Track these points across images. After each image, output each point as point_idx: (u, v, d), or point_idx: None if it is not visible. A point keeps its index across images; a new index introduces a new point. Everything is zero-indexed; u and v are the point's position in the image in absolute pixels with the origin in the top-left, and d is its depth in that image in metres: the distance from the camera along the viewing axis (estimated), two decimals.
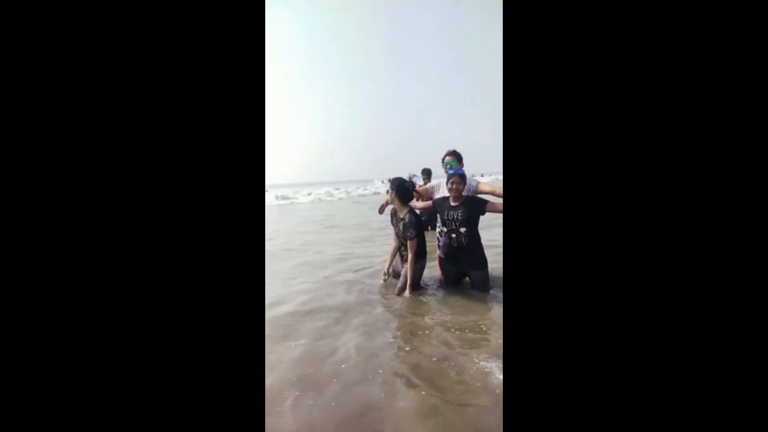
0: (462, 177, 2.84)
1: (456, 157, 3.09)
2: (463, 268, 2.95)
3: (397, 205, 2.94)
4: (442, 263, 3.03)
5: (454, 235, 2.83)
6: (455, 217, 2.80)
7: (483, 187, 2.96)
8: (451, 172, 2.87)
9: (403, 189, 2.91)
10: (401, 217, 2.93)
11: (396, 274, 3.13)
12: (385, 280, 3.13)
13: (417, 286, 2.95)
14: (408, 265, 2.82)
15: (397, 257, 3.18)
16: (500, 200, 2.80)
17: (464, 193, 2.92)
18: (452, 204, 2.85)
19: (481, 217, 2.86)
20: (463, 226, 2.80)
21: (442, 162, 3.09)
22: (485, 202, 2.82)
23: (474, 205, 2.80)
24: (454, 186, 2.81)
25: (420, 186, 3.08)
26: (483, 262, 2.89)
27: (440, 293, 2.89)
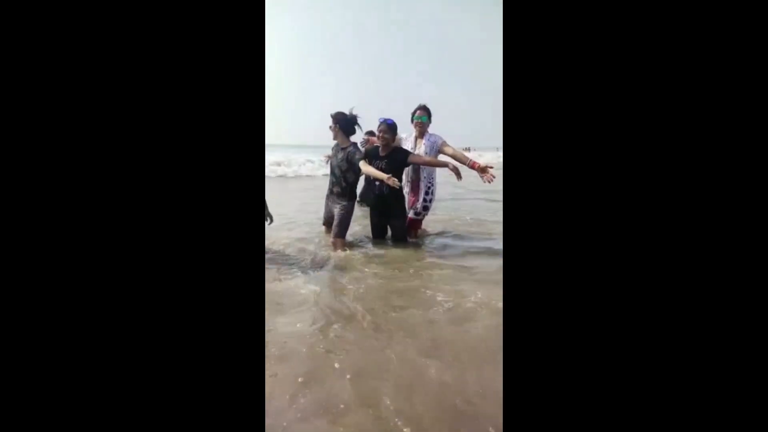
0: (390, 126, 2.87)
1: (426, 112, 3.09)
2: (384, 217, 3.07)
3: (340, 138, 2.95)
4: (370, 213, 3.15)
5: (377, 183, 2.91)
6: (380, 167, 2.84)
7: (447, 149, 3.00)
8: (381, 120, 2.89)
9: (345, 121, 2.91)
10: (343, 147, 2.95)
11: (329, 221, 3.11)
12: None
13: (342, 234, 2.96)
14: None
15: (327, 202, 3.13)
16: (447, 159, 2.95)
17: (426, 150, 3.00)
18: (380, 154, 2.90)
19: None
20: (385, 171, 2.81)
21: (413, 116, 3.08)
22: (408, 153, 2.89)
23: (397, 157, 2.86)
24: (381, 135, 2.85)
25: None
26: (401, 212, 3.04)
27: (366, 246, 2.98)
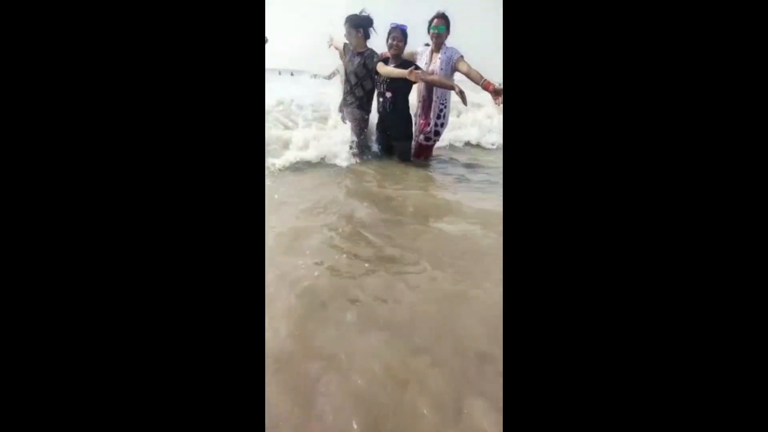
0: (403, 33, 2.67)
1: (445, 21, 2.74)
2: (388, 136, 2.94)
3: (357, 42, 2.78)
4: (376, 132, 3.07)
5: (380, 99, 2.79)
6: (384, 78, 2.70)
7: (461, 65, 2.73)
8: (393, 25, 2.66)
9: (360, 18, 2.72)
10: (359, 52, 2.78)
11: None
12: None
13: (359, 147, 2.90)
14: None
15: (341, 113, 3.05)
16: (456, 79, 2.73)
17: (442, 66, 2.75)
18: (390, 65, 2.74)
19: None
20: (389, 90, 2.71)
21: (429, 26, 2.77)
22: (416, 68, 2.66)
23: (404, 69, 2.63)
24: (394, 42, 2.66)
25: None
26: (406, 134, 2.86)
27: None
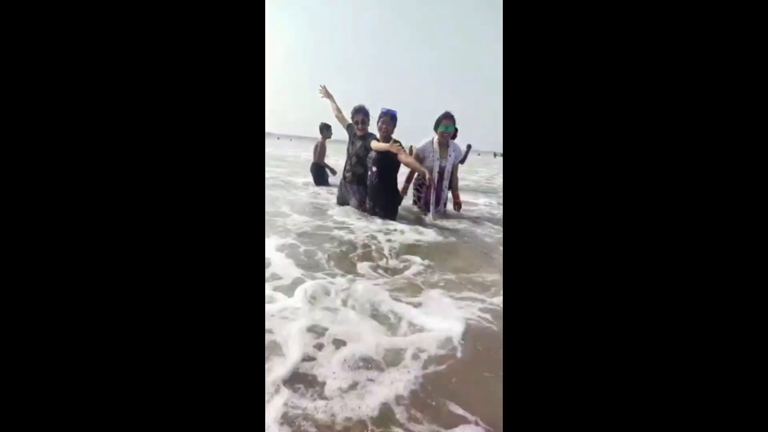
0: (392, 118, 2.97)
1: (453, 121, 3.17)
2: (377, 208, 3.06)
3: (363, 128, 3.12)
4: (368, 198, 3.25)
5: (369, 173, 3.03)
6: (372, 155, 2.96)
7: (455, 170, 3.31)
8: (383, 110, 3.00)
9: (362, 110, 3.09)
10: (360, 135, 3.11)
11: (344, 201, 3.33)
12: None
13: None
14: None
15: (341, 189, 3.36)
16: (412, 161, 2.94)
17: (452, 162, 3.22)
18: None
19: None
20: (374, 165, 2.95)
21: (439, 126, 3.16)
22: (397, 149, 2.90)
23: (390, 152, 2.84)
24: (383, 126, 2.96)
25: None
26: (388, 206, 2.98)
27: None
